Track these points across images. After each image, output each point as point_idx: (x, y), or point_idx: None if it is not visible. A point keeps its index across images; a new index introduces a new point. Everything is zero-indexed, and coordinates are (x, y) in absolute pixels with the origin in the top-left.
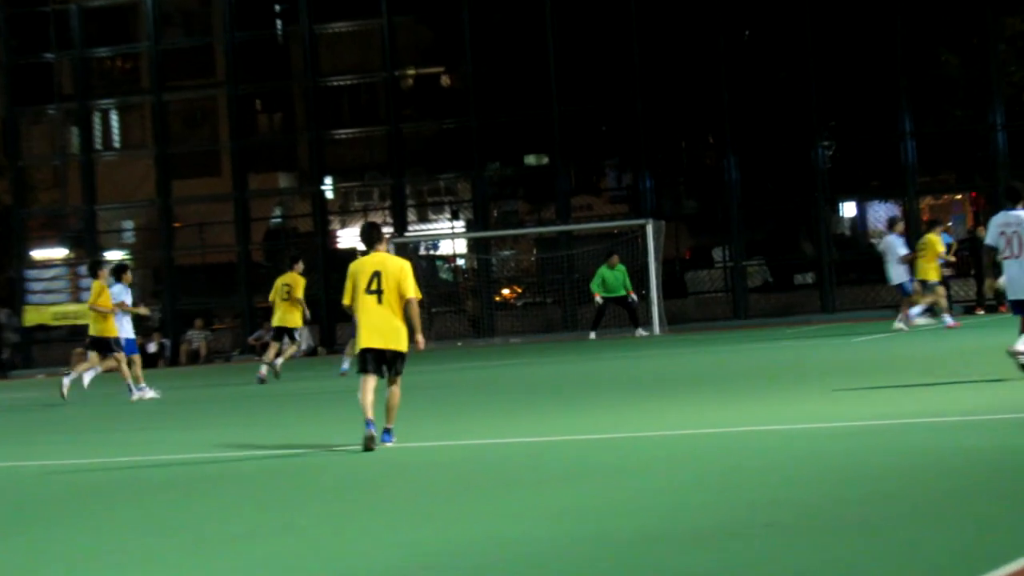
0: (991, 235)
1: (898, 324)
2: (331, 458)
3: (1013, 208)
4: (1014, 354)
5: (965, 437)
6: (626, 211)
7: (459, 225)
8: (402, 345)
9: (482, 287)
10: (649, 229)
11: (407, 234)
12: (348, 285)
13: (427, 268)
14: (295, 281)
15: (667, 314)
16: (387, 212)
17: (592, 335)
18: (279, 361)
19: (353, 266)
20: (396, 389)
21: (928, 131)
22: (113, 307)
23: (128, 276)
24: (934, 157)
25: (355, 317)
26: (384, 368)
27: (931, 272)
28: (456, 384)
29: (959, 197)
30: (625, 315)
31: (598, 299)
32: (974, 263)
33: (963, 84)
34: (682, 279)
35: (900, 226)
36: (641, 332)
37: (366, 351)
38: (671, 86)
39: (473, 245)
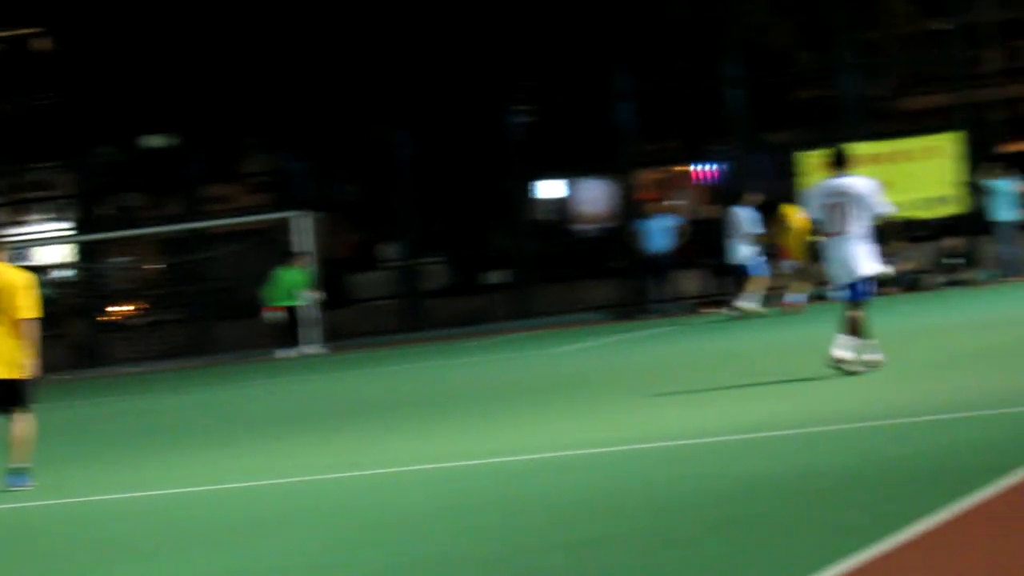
0: (815, 207)
1: (748, 305)
2: None
3: (839, 176)
4: (838, 362)
5: (682, 465)
6: (272, 201)
7: (59, 227)
8: (21, 371)
9: (91, 304)
10: (301, 223)
11: None
12: None
13: None
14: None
15: (326, 327)
16: None
17: (302, 350)
18: None
19: None
20: (27, 420)
21: (648, 89)
22: None
23: None
24: (657, 121)
25: None
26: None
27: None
28: (53, 430)
29: (687, 168)
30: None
31: (277, 314)
32: (708, 252)
33: (690, 29)
34: (343, 283)
35: (755, 197)
36: (290, 353)
37: None
38: (322, 43)
39: (78, 252)
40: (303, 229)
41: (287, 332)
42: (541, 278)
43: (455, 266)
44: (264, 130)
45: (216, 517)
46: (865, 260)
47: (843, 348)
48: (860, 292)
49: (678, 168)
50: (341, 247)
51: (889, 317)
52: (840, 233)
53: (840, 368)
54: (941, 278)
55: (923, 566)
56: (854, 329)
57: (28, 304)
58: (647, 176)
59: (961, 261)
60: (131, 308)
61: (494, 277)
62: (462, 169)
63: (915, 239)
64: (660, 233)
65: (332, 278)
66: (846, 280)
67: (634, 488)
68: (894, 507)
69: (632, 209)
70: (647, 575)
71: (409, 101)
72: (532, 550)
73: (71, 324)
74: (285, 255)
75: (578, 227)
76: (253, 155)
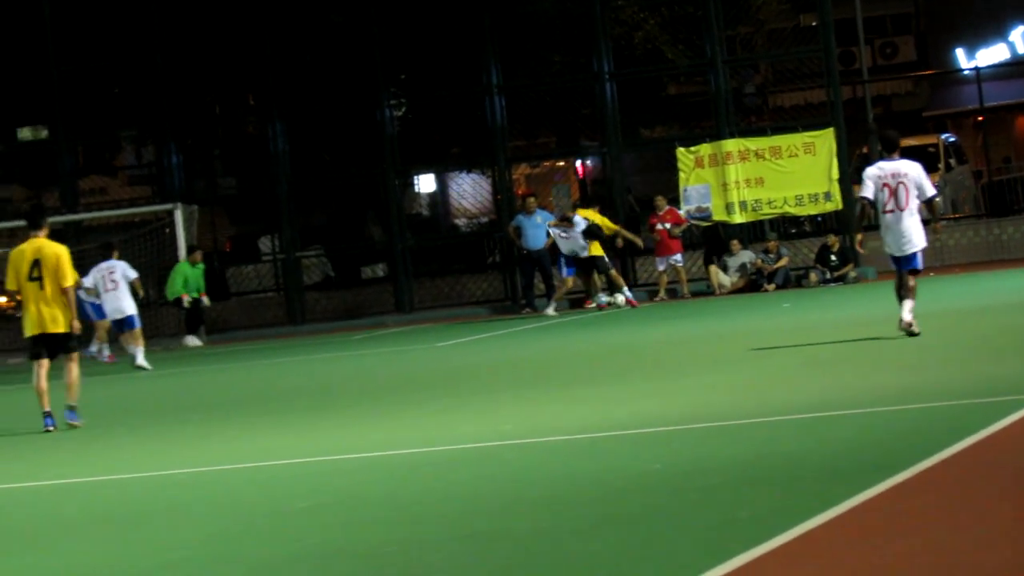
0: (870, 188)
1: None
2: None
3: (890, 158)
4: (906, 327)
5: (566, 460)
6: (149, 194)
7: None
8: (67, 327)
9: None
10: (178, 216)
11: None
12: (10, 271)
13: None
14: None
15: (207, 321)
16: None
17: (191, 339)
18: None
19: (13, 253)
20: (74, 367)
21: (520, 84)
22: None
23: None
24: (529, 116)
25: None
26: (57, 350)
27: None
28: None
29: (562, 164)
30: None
31: (187, 300)
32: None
33: (561, 23)
34: (223, 277)
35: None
36: (195, 341)
37: (36, 338)
38: (196, 33)
39: None
40: (179, 222)
41: (191, 322)
42: (418, 272)
43: (333, 260)
44: (140, 123)
45: (96, 509)
46: (920, 234)
47: (909, 312)
48: (917, 262)
49: (554, 163)
50: (220, 240)
51: (770, 315)
52: (898, 209)
53: (911, 332)
54: (824, 275)
55: (814, 562)
56: (913, 295)
57: (70, 273)
58: (523, 171)
59: (836, 260)
60: (8, 301)
61: (372, 271)
62: (338, 163)
63: (789, 236)
64: (538, 229)
65: (212, 271)
66: (905, 252)
67: (525, 483)
68: (785, 503)
69: (508, 204)
70: (537, 571)
71: (284, 95)
72: (420, 544)
73: None
74: (170, 247)
75: (455, 222)
76: (129, 148)
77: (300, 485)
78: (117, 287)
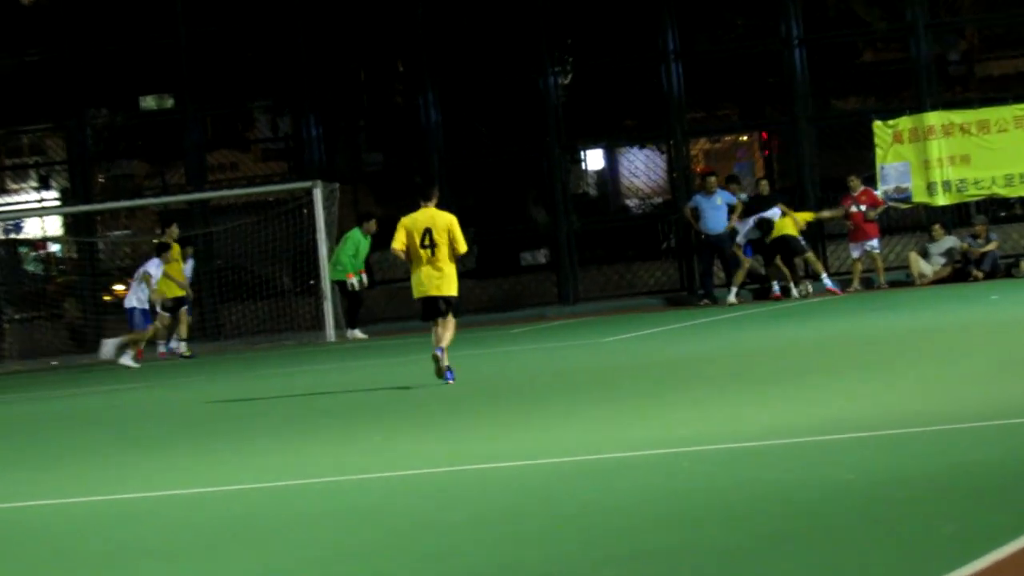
0: None
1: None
2: None
3: None
4: None
5: (749, 469)
6: (285, 170)
7: (50, 196)
8: (451, 291)
9: (86, 282)
10: (317, 195)
11: None
12: (401, 235)
13: (7, 258)
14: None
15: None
16: None
17: (356, 332)
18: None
19: (406, 220)
20: (448, 324)
21: (701, 49)
22: None
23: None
24: (710, 85)
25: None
26: (437, 312)
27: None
28: (53, 423)
29: (745, 138)
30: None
31: (352, 280)
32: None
33: None
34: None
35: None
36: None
37: (423, 300)
38: None
39: (71, 224)
40: (319, 202)
41: (352, 311)
42: (584, 259)
43: (490, 244)
44: (275, 92)
45: (238, 517)
46: None
47: None
48: None
49: (736, 138)
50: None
51: (975, 308)
52: None
53: None
54: None
55: None
56: None
57: (463, 240)
58: (702, 146)
59: None
60: (127, 287)
61: (533, 257)
62: (497, 136)
63: (998, 220)
64: (718, 211)
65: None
66: None
67: (704, 495)
68: (994, 517)
69: (685, 183)
70: None
71: (437, 61)
72: (581, 563)
73: (64, 304)
74: (307, 230)
75: (626, 202)
76: (263, 119)
77: (451, 495)
78: None
